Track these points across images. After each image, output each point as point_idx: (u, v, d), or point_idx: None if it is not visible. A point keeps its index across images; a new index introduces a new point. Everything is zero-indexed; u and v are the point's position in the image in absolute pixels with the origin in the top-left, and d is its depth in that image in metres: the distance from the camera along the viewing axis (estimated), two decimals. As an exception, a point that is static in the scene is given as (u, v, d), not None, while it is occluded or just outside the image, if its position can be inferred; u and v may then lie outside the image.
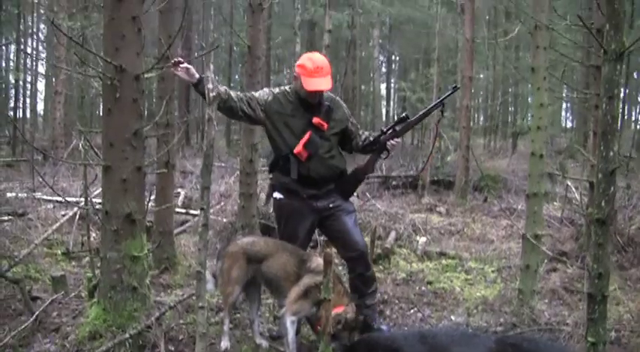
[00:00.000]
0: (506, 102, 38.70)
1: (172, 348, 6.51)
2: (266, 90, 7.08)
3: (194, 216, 13.47)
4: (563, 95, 19.81)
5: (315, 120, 6.88)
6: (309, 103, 6.92)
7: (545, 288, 9.01)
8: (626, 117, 49.67)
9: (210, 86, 4.84)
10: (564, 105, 41.34)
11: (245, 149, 11.67)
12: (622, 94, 31.68)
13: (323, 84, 6.76)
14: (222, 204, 15.05)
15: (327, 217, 7.08)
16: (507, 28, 24.93)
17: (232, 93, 6.79)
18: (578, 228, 11.88)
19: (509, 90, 38.43)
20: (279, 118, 6.88)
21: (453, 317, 8.06)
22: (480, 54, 35.39)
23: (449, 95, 7.60)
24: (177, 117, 18.68)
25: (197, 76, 6.61)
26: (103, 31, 6.50)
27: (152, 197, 9.63)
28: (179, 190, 16.30)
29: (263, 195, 13.17)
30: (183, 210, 14.29)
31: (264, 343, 6.85)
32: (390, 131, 7.14)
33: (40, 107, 46.14)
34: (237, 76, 46.35)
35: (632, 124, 45.54)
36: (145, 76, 6.68)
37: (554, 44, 11.61)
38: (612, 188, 3.63)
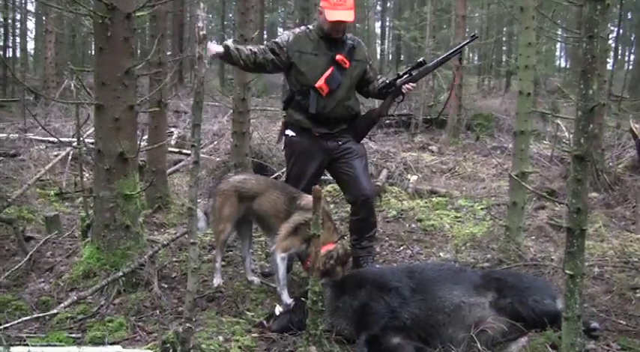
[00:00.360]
0: (499, 41, 38.58)
1: (165, 285, 6.59)
2: (286, 32, 7.14)
3: (187, 155, 13.50)
4: (558, 34, 19.67)
5: (338, 57, 6.90)
6: (332, 39, 6.95)
7: (533, 225, 9.13)
8: (619, 57, 49.65)
9: (200, 25, 4.88)
10: (558, 44, 41.14)
11: (238, 88, 11.68)
12: (614, 34, 31.67)
13: (345, 15, 6.75)
14: (215, 143, 15.10)
15: (336, 159, 7.13)
16: (501, -34, 24.80)
17: (248, 50, 6.92)
18: (567, 166, 11.98)
19: (504, 29, 38.32)
20: (300, 56, 6.91)
21: (441, 254, 8.18)
22: (475, -8, 35.28)
23: (467, 43, 7.65)
24: (169, 57, 18.66)
25: (221, 48, 6.77)
26: (94, -31, 6.50)
27: (145, 136, 9.68)
28: (172, 130, 16.34)
29: (256, 134, 13.22)
30: (177, 150, 14.34)
31: (256, 280, 6.96)
32: (407, 75, 7.17)
33: (31, 46, 45.71)
34: (230, 15, 46.11)
35: (625, 65, 45.45)
36: (137, 14, 6.67)
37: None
38: (591, 125, 3.69)
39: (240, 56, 6.77)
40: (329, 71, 6.86)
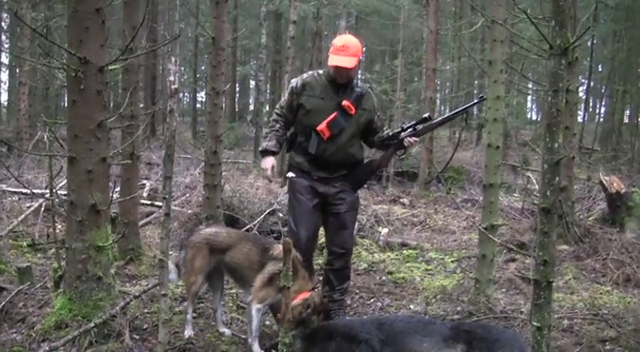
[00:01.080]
0: (470, 94, 38.86)
1: (137, 337, 6.58)
2: (293, 81, 7.22)
3: (159, 207, 13.49)
4: (528, 87, 19.92)
5: (345, 103, 6.98)
6: (340, 85, 7.04)
7: (503, 278, 9.18)
8: (590, 109, 50.12)
9: (172, 78, 4.93)
10: (529, 97, 41.55)
11: (209, 140, 11.71)
12: (585, 87, 31.96)
13: (344, 61, 6.84)
14: (187, 195, 15.07)
15: (328, 204, 7.22)
16: (472, 20, 25.04)
17: (279, 135, 7.21)
18: (537, 219, 12.06)
19: (475, 82, 38.60)
20: (307, 99, 7.01)
21: (411, 306, 8.19)
22: (445, 46, 35.50)
23: (475, 104, 7.79)
24: (142, 109, 18.70)
25: (271, 159, 7.18)
26: (67, 22, 6.56)
27: (117, 188, 9.69)
28: (144, 182, 16.31)
29: (228, 186, 13.23)
30: (149, 202, 14.32)
31: (227, 331, 6.96)
32: (411, 129, 7.23)
33: (4, 98, 45.61)
34: (203, 67, 46.28)
35: (596, 117, 45.88)
36: (109, 67, 6.73)
37: (518, 37, 11.76)
38: (557, 178, 3.77)
39: (282, 141, 7.11)
40: (332, 116, 6.95)
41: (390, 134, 7.34)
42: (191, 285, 6.82)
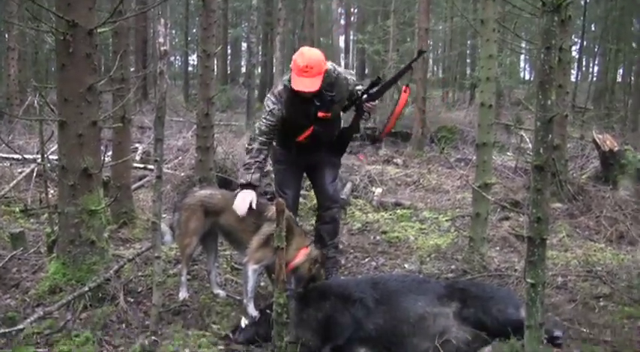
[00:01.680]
0: (463, 53, 38.76)
1: (131, 300, 6.57)
2: (274, 108, 6.86)
3: (152, 170, 13.41)
4: (521, 46, 19.88)
5: (320, 114, 6.90)
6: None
7: (497, 236, 9.20)
8: (583, 68, 50.04)
9: (161, 40, 4.90)
10: (522, 56, 41.46)
11: (201, 103, 11.68)
12: (577, 46, 31.89)
13: (309, 85, 6.61)
14: (180, 158, 15.06)
15: (312, 167, 7.33)
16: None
17: (263, 166, 6.99)
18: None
19: (467, 42, 38.49)
20: (289, 116, 6.86)
21: (406, 266, 8.21)
22: (438, 5, 35.41)
23: (416, 59, 7.76)
24: (133, 72, 18.63)
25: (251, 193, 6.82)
26: (55, -15, 6.51)
27: (109, 152, 9.67)
28: (137, 145, 16.28)
29: (220, 149, 13.21)
30: (141, 165, 14.29)
31: (222, 293, 6.96)
32: (365, 95, 7.19)
33: (-7, 64, 45.44)
34: (194, 30, 46.04)
35: (589, 76, 45.85)
36: (98, 30, 6.67)
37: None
38: (550, 136, 3.75)
39: (264, 174, 6.95)
40: (310, 131, 6.95)
41: (351, 101, 7.28)
42: (185, 247, 6.80)
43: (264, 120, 6.88)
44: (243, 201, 6.68)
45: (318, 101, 6.82)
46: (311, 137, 6.96)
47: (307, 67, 6.56)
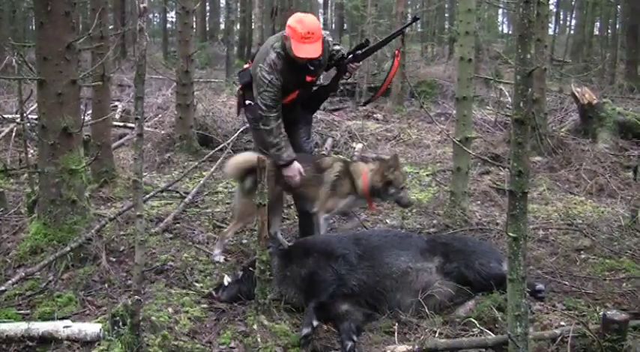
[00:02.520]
0: (442, 8, 38.69)
1: (114, 259, 6.57)
2: (271, 78, 6.69)
3: (132, 129, 13.38)
4: (499, 0, 19.81)
5: (308, 78, 6.92)
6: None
7: (478, 190, 9.24)
8: (561, 22, 50.07)
9: (140, -3, 4.85)
10: (500, 10, 41.39)
11: (181, 60, 11.66)
12: (555, 0, 31.89)
13: (312, 51, 6.55)
14: (160, 116, 15.03)
15: (288, 123, 7.11)
16: None
17: (282, 127, 6.88)
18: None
19: (446, -5, 38.45)
20: (283, 84, 6.76)
21: (388, 221, 8.26)
22: (417, -41, 35.27)
23: (409, 25, 7.82)
24: (112, 30, 18.49)
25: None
26: (33, -58, 6.43)
27: (89, 111, 9.61)
28: (116, 103, 16.19)
29: (200, 106, 13.18)
30: (121, 124, 14.23)
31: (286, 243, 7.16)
32: (351, 55, 7.18)
33: (-30, 22, 45.04)
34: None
35: (567, 29, 45.85)
36: (77, -12, 6.63)
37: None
38: (530, 89, 3.75)
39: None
40: (295, 95, 6.94)
41: (334, 61, 7.24)
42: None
43: (266, 94, 6.70)
44: (295, 175, 6.82)
45: (311, 65, 6.81)
46: (293, 99, 6.96)
47: (309, 33, 6.48)
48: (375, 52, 7.57)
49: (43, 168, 6.47)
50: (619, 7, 30.37)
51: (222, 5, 53.49)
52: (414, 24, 7.40)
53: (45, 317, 5.27)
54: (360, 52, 7.18)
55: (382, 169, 6.77)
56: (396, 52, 7.51)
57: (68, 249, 6.22)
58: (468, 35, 7.65)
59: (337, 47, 7.28)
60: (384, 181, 6.72)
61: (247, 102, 7.04)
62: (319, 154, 7.09)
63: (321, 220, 6.75)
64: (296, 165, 6.80)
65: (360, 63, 7.34)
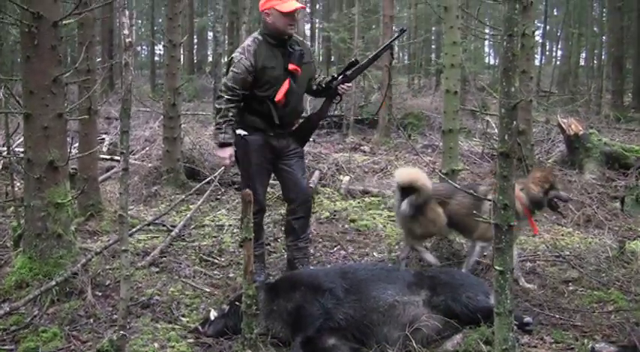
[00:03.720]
0: (428, 40, 38.85)
1: (99, 293, 6.54)
2: (241, 58, 6.86)
3: (119, 162, 13.38)
4: (485, 33, 19.95)
5: (291, 67, 6.91)
6: (283, 42, 6.92)
7: (466, 222, 9.24)
8: (547, 53, 50.32)
9: (126, 32, 4.86)
10: (487, 42, 41.64)
11: (168, 93, 11.67)
12: (541, 31, 32.16)
13: (298, 3, 6.80)
14: (147, 149, 14.98)
15: (281, 157, 7.19)
16: (428, -34, 24.95)
17: (233, 122, 6.96)
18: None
19: (432, 28, 38.54)
20: (262, 72, 6.86)
21: (375, 254, 8.22)
22: (402, -8, 35.46)
23: (397, 38, 7.80)
24: (99, 63, 18.49)
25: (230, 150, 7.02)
26: (19, -23, 6.44)
27: (75, 144, 9.60)
28: (104, 136, 16.18)
29: (187, 139, 13.18)
30: (109, 157, 14.19)
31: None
32: (341, 76, 7.22)
33: (-43, 56, 44.99)
34: (160, 20, 45.81)
35: (553, 60, 46.13)
36: (63, 22, 6.64)
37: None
38: (515, 122, 3.77)
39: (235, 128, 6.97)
40: (286, 85, 6.88)
41: (323, 85, 7.31)
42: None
43: (231, 73, 6.87)
44: (224, 156, 6.97)
45: (290, 47, 6.96)
46: (287, 98, 6.91)
47: None
48: (365, 69, 7.57)
49: (28, 202, 6.45)
50: (604, 38, 30.59)
51: (209, 38, 53.60)
52: (401, 38, 7.45)
53: (29, 353, 5.25)
54: (349, 71, 7.22)
55: (538, 179, 6.87)
56: (386, 66, 7.66)
57: (54, 283, 6.19)
58: (454, 67, 7.68)
59: (315, 69, 7.49)
60: (545, 189, 6.83)
61: (239, 131, 7.07)
62: (475, 183, 7.10)
63: (478, 247, 6.83)
64: (228, 149, 6.94)
65: (351, 83, 7.40)
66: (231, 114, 6.84)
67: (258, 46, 6.89)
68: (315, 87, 7.40)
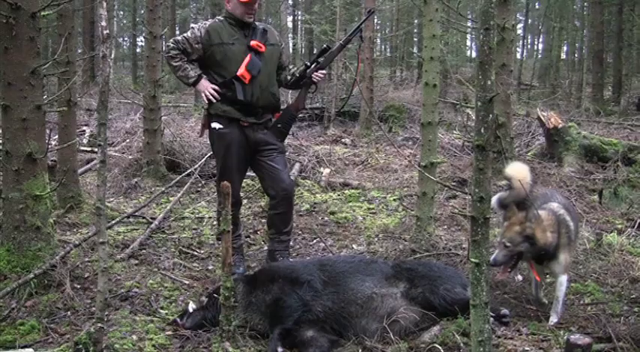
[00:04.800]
0: (410, 33, 38.86)
1: (78, 286, 6.51)
2: (195, 27, 7.14)
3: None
4: (466, 26, 19.96)
5: (253, 43, 7.00)
6: (245, 26, 7.04)
7: (445, 215, 9.26)
8: (528, 46, 50.48)
9: (103, 24, 4.85)
10: (468, 35, 41.73)
11: (148, 85, 11.65)
12: (522, 25, 32.29)
13: None
14: (128, 140, 14.98)
15: (259, 152, 7.22)
16: (410, -42, 24.93)
17: (192, 62, 7.16)
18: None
19: (414, 21, 38.58)
20: (219, 49, 6.99)
21: (354, 246, 8.23)
22: (384, -15, 35.41)
23: (365, 20, 7.81)
24: (79, 55, 18.41)
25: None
26: (-4, -33, 6.41)
27: (55, 136, 9.57)
28: (84, 128, 16.12)
29: (168, 131, 13.16)
30: (89, 149, 14.13)
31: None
32: (314, 64, 7.27)
33: None
34: (142, 11, 45.61)
35: (535, 54, 46.26)
36: (42, 13, 6.60)
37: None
38: (490, 115, 3.78)
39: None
40: (248, 58, 6.94)
41: (297, 75, 7.38)
42: None
43: (182, 34, 7.18)
44: (204, 89, 7.06)
45: (251, 31, 7.15)
46: (251, 73, 6.98)
47: None
48: (337, 54, 7.57)
49: (7, 194, 6.43)
50: (585, 31, 30.72)
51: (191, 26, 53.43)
52: (370, 18, 7.45)
53: (7, 346, 5.21)
54: (322, 58, 7.29)
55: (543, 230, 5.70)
56: (358, 50, 7.66)
57: (32, 275, 6.16)
58: (433, 61, 7.69)
59: (287, 59, 7.63)
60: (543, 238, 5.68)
61: (214, 124, 7.08)
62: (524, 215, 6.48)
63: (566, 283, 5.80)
64: (204, 81, 7.04)
65: (325, 70, 7.42)
66: (185, 56, 7.09)
67: (218, 24, 7.09)
68: (289, 77, 7.46)
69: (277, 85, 7.43)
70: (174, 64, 7.06)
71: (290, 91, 14.80)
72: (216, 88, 6.98)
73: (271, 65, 7.22)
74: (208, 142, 7.58)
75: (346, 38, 7.47)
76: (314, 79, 7.25)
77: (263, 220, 8.69)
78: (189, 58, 7.09)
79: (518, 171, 6.62)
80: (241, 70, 6.90)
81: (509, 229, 5.65)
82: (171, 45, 7.09)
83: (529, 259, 5.80)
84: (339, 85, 20.62)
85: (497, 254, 5.58)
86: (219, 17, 7.21)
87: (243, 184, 9.70)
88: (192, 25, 7.17)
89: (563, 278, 5.68)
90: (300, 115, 19.36)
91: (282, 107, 7.42)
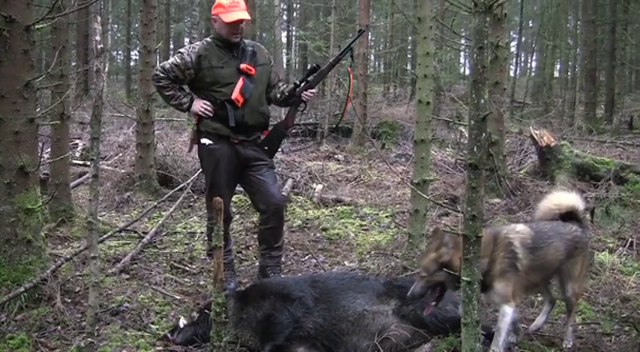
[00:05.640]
0: (404, 49, 38.94)
1: (69, 300, 6.48)
2: (184, 52, 7.09)
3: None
4: (460, 44, 20.03)
5: (243, 66, 7.00)
6: (234, 46, 7.04)
7: (437, 232, 9.25)
8: (522, 64, 50.63)
9: (97, 38, 4.85)
10: (462, 52, 41.86)
11: (141, 99, 11.66)
12: (516, 42, 32.43)
13: (242, 14, 6.88)
14: (121, 154, 14.98)
15: (248, 167, 7.21)
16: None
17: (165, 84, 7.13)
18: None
19: (408, 38, 38.68)
20: (209, 73, 6.98)
21: (346, 263, 8.22)
22: (379, 2, 35.57)
23: (356, 39, 7.78)
24: (73, 68, 18.42)
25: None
26: (-10, -20, 6.41)
27: (48, 149, 9.56)
28: (77, 141, 16.11)
29: (161, 145, 13.15)
30: (81, 162, 14.13)
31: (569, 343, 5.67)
32: (304, 83, 7.25)
33: None
34: (136, 25, 45.64)
35: (528, 71, 46.43)
36: (36, 26, 6.60)
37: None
38: (483, 134, 3.79)
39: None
40: (240, 82, 6.95)
41: (287, 93, 7.35)
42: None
43: (170, 59, 7.12)
44: (199, 109, 7.06)
45: (240, 53, 7.13)
46: (244, 96, 7.00)
47: (234, 2, 6.91)
48: (327, 73, 7.58)
49: (-2, 208, 6.42)
50: (578, 50, 30.83)
51: (185, 44, 53.49)
52: (360, 37, 7.39)
53: (-4, 360, 5.21)
54: (311, 77, 7.28)
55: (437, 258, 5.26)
56: (349, 69, 7.64)
57: (22, 289, 6.14)
58: (427, 78, 7.71)
59: (277, 76, 7.60)
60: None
61: (203, 140, 7.09)
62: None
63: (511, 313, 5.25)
64: (198, 101, 7.07)
65: (315, 89, 7.40)
66: (170, 88, 7.12)
67: (206, 47, 7.06)
68: (279, 95, 7.43)
69: (267, 102, 7.43)
70: (167, 93, 7.10)
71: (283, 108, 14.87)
72: (209, 104, 6.99)
73: (261, 86, 7.24)
74: (195, 156, 7.59)
75: (336, 57, 7.44)
76: (303, 98, 7.25)
77: (255, 236, 8.66)
78: (180, 85, 7.14)
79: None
80: (235, 94, 6.93)
81: (424, 257, 5.28)
82: (161, 74, 7.07)
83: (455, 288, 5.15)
84: (332, 101, 20.67)
85: (414, 286, 5.17)
86: (208, 39, 7.22)
87: (236, 199, 9.70)
88: (179, 50, 7.11)
89: (506, 309, 5.12)
90: (293, 131, 19.50)
91: (271, 124, 7.44)
